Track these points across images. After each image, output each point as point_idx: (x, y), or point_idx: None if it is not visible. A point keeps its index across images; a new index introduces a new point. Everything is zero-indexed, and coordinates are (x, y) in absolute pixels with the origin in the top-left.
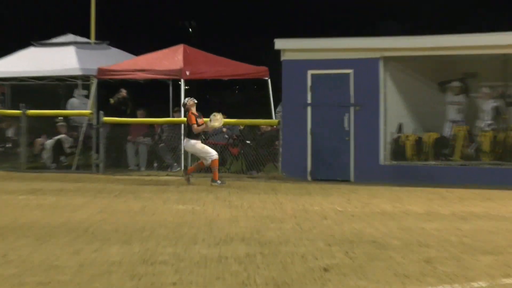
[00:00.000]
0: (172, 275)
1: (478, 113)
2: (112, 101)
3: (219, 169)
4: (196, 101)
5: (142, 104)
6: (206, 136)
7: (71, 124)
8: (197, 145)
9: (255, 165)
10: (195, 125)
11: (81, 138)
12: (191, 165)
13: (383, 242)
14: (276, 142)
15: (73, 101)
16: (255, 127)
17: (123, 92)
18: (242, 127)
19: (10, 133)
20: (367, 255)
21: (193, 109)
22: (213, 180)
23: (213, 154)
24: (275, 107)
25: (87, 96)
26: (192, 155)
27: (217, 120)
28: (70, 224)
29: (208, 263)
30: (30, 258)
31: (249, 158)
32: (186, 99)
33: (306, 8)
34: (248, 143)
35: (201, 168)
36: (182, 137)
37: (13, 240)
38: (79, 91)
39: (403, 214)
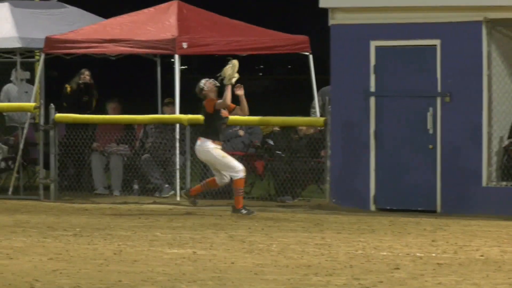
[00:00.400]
0: None
1: None
2: (69, 88)
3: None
4: (218, 84)
5: (115, 93)
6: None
7: (7, 124)
8: (215, 151)
9: (289, 187)
10: (220, 101)
11: (21, 145)
12: (193, 185)
13: None
14: (322, 152)
15: (9, 87)
16: (290, 129)
17: (86, 75)
18: (269, 130)
19: None
20: None
21: (213, 95)
22: (236, 209)
23: (238, 169)
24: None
25: (31, 81)
26: (205, 166)
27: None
28: (6, 278)
29: None
30: None
31: (280, 176)
32: (203, 81)
33: None
34: (279, 154)
35: (211, 188)
36: (177, 143)
37: None
38: (20, 73)
39: None
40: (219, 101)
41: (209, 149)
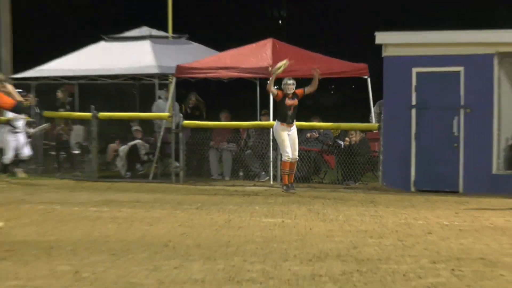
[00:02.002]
0: None
1: None
2: (184, 108)
3: (311, 179)
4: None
5: (226, 106)
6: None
7: (155, 129)
8: (280, 132)
9: (352, 174)
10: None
11: (159, 144)
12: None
13: (493, 259)
14: (376, 148)
15: (159, 102)
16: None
17: (192, 101)
18: (338, 133)
19: (73, 138)
20: (475, 274)
21: (280, 91)
22: (282, 185)
23: (285, 154)
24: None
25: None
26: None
27: (284, 64)
28: (148, 239)
29: (300, 282)
30: (105, 275)
31: (345, 166)
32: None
33: None
34: (343, 149)
35: (291, 168)
36: (271, 142)
37: (86, 256)
38: (165, 93)
39: None
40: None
41: (277, 129)
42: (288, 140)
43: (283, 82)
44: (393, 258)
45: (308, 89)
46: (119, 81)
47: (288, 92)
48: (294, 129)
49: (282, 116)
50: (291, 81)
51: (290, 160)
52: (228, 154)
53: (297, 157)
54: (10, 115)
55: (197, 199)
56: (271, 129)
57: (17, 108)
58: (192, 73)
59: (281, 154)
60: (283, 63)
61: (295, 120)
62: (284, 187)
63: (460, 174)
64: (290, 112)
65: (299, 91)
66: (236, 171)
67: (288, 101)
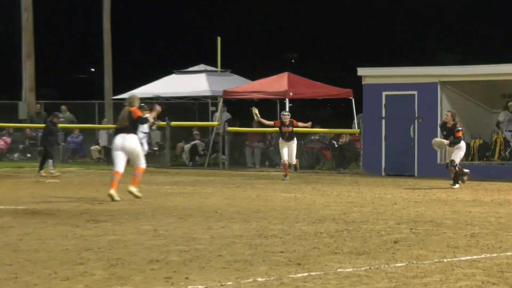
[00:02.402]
0: (280, 245)
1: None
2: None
3: (314, 167)
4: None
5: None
6: (305, 142)
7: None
8: (280, 145)
9: (342, 163)
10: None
11: (211, 143)
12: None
13: (439, 221)
14: (357, 146)
15: (226, 114)
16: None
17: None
18: (332, 135)
19: (153, 139)
20: (426, 231)
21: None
22: (285, 176)
23: (282, 157)
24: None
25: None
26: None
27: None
28: (203, 207)
29: (307, 237)
30: (174, 232)
31: (337, 158)
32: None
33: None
34: (336, 147)
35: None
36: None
37: (161, 219)
38: (223, 108)
39: (454, 201)
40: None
41: (280, 143)
42: (287, 150)
43: (281, 114)
44: (371, 221)
45: (301, 124)
46: (185, 101)
47: (284, 120)
48: (292, 143)
49: (281, 136)
50: (286, 113)
51: (286, 162)
52: (258, 150)
53: (294, 161)
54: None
55: (236, 180)
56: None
57: (142, 120)
58: (234, 95)
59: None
60: (254, 112)
61: (293, 137)
62: (283, 177)
63: (415, 164)
64: (286, 135)
65: (295, 122)
66: (264, 162)
67: (284, 128)
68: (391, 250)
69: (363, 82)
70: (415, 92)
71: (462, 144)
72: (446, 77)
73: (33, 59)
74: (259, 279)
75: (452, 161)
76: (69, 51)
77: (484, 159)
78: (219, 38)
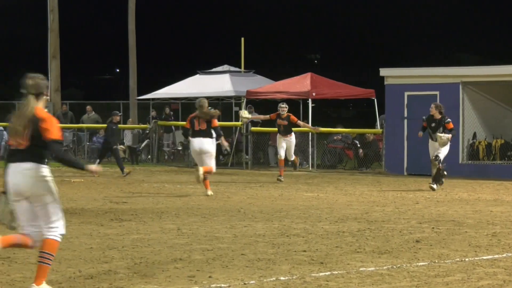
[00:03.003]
0: (303, 244)
1: None
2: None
3: (337, 166)
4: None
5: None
6: (328, 141)
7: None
8: (277, 140)
9: (364, 163)
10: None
11: (234, 142)
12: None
13: (460, 221)
14: (380, 145)
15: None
16: (363, 136)
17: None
18: (355, 135)
19: (177, 139)
20: (448, 231)
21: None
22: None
23: (279, 153)
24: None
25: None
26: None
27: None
28: (226, 206)
29: (329, 236)
30: (198, 231)
31: (360, 158)
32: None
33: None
34: (358, 147)
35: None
36: (310, 142)
37: (185, 218)
38: (251, 109)
39: (476, 200)
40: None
41: (277, 137)
42: (284, 145)
43: (278, 105)
44: (393, 220)
45: (302, 124)
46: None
47: (281, 113)
48: (290, 138)
49: (278, 130)
50: (284, 105)
51: (282, 157)
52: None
53: (292, 157)
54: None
55: (260, 179)
56: (309, 133)
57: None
58: (257, 95)
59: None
60: (243, 116)
61: (291, 132)
62: (278, 178)
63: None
64: (281, 128)
65: (294, 119)
66: (286, 161)
67: (279, 121)
68: (413, 249)
69: (385, 83)
70: (437, 93)
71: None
72: (467, 77)
73: (58, 60)
74: (282, 278)
75: (437, 156)
76: (94, 52)
77: (506, 158)
78: (243, 39)
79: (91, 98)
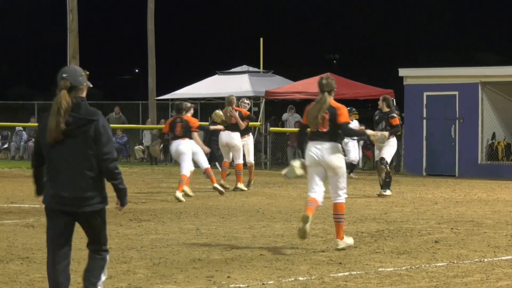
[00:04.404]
0: (322, 244)
1: None
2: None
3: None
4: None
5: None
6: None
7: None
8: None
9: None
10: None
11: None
12: None
13: (479, 221)
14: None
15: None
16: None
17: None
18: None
19: None
20: (467, 231)
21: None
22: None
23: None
24: None
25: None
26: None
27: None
28: (245, 207)
29: (348, 236)
30: (216, 231)
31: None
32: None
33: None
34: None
35: None
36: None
37: (204, 218)
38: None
39: (495, 201)
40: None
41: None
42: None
43: (241, 100)
44: (411, 220)
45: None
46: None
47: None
48: (245, 139)
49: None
50: (247, 101)
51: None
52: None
53: (251, 162)
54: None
55: (278, 180)
56: None
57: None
58: (276, 96)
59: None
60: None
61: (248, 132)
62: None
63: (456, 164)
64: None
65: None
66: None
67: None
68: (431, 250)
69: (404, 83)
70: (456, 93)
71: (393, 140)
72: (487, 77)
73: (78, 60)
74: (300, 278)
75: (382, 158)
76: (114, 52)
77: None
78: (261, 39)
79: (110, 98)
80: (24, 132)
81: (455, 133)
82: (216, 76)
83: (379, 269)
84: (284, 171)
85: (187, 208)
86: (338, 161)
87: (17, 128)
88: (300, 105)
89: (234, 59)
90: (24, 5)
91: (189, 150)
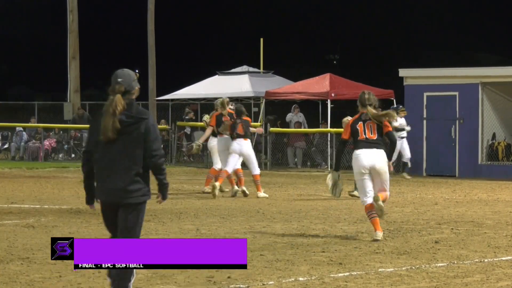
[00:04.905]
0: (322, 245)
1: None
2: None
3: None
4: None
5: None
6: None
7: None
8: None
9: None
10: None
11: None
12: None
13: (479, 221)
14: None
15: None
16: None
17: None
18: None
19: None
20: (467, 231)
21: None
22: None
23: None
24: None
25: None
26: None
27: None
28: (245, 207)
29: (348, 236)
30: (217, 231)
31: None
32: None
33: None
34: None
35: None
36: (329, 143)
37: (204, 218)
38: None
39: (495, 201)
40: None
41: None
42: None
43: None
44: (412, 221)
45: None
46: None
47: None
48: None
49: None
50: (232, 107)
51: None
52: (300, 150)
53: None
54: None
55: (278, 180)
56: (328, 134)
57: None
58: (276, 96)
59: None
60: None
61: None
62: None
63: (456, 164)
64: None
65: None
66: (305, 162)
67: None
68: (432, 250)
69: (404, 83)
70: (456, 93)
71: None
72: (487, 77)
73: (78, 60)
74: (301, 279)
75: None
76: (114, 52)
77: None
78: (262, 40)
79: None
80: (24, 133)
81: (455, 134)
82: (216, 76)
83: (379, 270)
84: (335, 194)
85: (187, 208)
86: None
87: (17, 128)
88: (300, 105)
89: (234, 60)
90: (24, 5)
91: (253, 152)
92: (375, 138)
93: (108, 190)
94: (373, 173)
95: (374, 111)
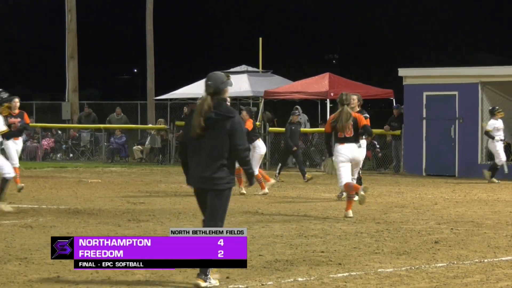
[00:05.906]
0: (321, 245)
1: None
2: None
3: None
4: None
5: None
6: None
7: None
8: None
9: (383, 163)
10: None
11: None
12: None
13: (479, 222)
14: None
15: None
16: (383, 136)
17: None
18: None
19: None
20: (467, 232)
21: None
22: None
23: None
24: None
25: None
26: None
27: None
28: (244, 207)
29: (348, 237)
30: None
31: (378, 158)
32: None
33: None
34: (377, 148)
35: None
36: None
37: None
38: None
39: (495, 201)
40: None
41: None
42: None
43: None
44: (411, 221)
45: None
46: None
47: None
48: None
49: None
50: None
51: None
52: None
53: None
54: None
55: (282, 179)
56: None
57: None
58: (275, 96)
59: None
60: None
61: None
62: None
63: (456, 164)
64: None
65: None
66: (304, 161)
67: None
68: (431, 250)
69: (404, 83)
70: (456, 93)
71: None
72: (487, 77)
73: (76, 60)
74: (300, 279)
75: None
76: (112, 52)
77: None
78: (260, 39)
79: (108, 98)
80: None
81: (455, 133)
82: None
83: (379, 270)
84: (326, 169)
85: (185, 208)
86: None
87: None
88: (299, 104)
89: (233, 59)
90: (24, 5)
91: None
92: (351, 136)
93: (198, 178)
94: (352, 163)
95: (349, 110)
